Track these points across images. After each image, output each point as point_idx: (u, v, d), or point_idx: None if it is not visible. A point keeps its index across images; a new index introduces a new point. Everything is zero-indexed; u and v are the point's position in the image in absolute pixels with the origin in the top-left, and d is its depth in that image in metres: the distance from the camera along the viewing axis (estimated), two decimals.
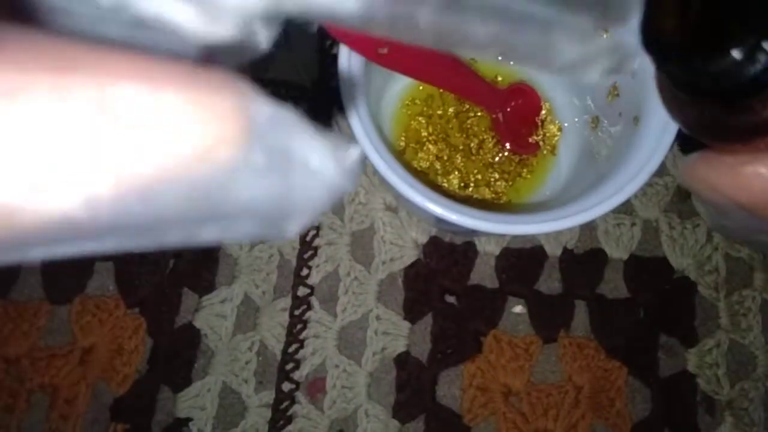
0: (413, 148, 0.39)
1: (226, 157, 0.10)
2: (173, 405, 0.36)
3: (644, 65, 0.31)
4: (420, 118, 0.39)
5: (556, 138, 0.39)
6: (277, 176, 0.11)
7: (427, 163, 0.38)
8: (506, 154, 0.39)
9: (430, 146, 0.38)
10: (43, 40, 0.09)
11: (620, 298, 0.39)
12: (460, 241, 0.39)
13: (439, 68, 0.32)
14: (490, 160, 0.39)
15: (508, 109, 0.38)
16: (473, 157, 0.39)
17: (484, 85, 0.37)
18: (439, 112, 0.39)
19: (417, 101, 0.39)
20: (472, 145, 0.39)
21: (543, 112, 0.39)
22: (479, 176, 0.38)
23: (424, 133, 0.39)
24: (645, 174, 0.28)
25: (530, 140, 0.39)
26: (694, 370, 0.38)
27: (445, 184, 0.38)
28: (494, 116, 0.38)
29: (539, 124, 0.39)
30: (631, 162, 0.29)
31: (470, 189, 0.38)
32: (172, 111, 0.09)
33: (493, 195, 0.38)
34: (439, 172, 0.38)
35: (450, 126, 0.39)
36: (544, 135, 0.39)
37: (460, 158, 0.38)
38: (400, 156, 0.38)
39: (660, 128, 0.29)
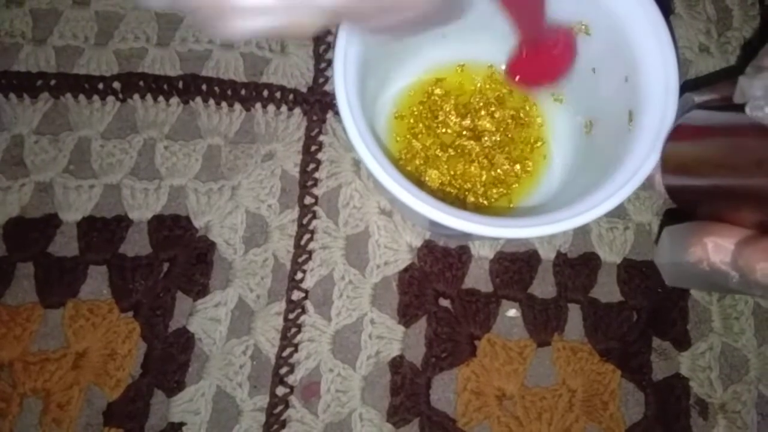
0: (408, 152, 0.39)
1: None
2: (167, 409, 0.36)
3: (637, 70, 0.31)
4: (414, 124, 0.39)
5: (542, 141, 0.39)
6: None
7: (421, 168, 0.38)
8: (502, 159, 0.39)
9: (425, 151, 0.39)
10: None
11: (613, 301, 0.39)
12: (455, 245, 0.39)
13: None
14: (486, 163, 0.39)
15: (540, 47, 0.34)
16: (467, 161, 0.39)
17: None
18: (434, 117, 0.39)
19: (412, 107, 0.40)
20: (466, 149, 0.39)
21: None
22: (473, 179, 0.38)
23: (419, 141, 0.39)
24: (638, 178, 0.29)
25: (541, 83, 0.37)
26: (687, 373, 0.38)
27: (439, 188, 0.38)
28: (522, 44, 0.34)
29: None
30: (624, 166, 0.29)
31: (464, 192, 0.38)
32: None
33: (487, 198, 0.38)
34: (433, 175, 0.38)
35: (444, 131, 0.39)
36: (534, 142, 0.39)
37: (453, 162, 0.39)
38: (395, 160, 0.38)
39: (653, 133, 0.29)
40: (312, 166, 0.40)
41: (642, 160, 0.29)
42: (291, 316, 0.38)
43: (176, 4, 0.19)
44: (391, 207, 0.40)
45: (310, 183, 0.40)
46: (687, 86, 0.31)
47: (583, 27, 0.34)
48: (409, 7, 0.20)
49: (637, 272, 0.39)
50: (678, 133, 0.29)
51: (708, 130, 0.27)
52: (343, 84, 0.29)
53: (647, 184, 0.29)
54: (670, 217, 0.40)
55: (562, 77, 0.35)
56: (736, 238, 0.24)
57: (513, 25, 0.32)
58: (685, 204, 0.29)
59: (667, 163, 0.29)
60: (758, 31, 0.45)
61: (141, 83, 0.41)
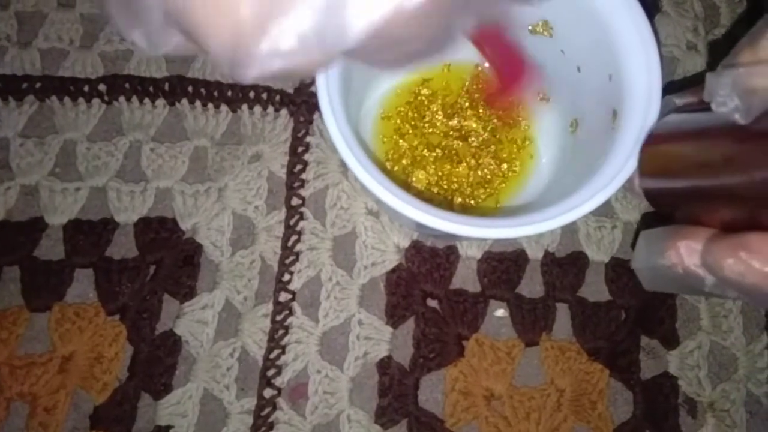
0: (395, 153, 0.39)
1: None
2: (154, 412, 0.36)
3: (620, 69, 0.31)
4: (401, 124, 0.39)
5: (528, 140, 0.39)
6: None
7: (408, 168, 0.38)
8: (489, 159, 0.39)
9: (412, 151, 0.39)
10: None
11: (601, 300, 0.39)
12: (442, 246, 0.39)
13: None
14: (473, 163, 0.39)
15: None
16: (454, 161, 0.39)
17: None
18: (421, 117, 0.39)
19: (399, 107, 0.39)
20: (453, 149, 0.39)
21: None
22: (460, 179, 0.38)
23: (405, 141, 0.39)
24: (622, 177, 0.29)
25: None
26: (676, 371, 0.38)
27: (426, 188, 0.38)
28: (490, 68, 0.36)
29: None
30: (608, 165, 0.29)
31: (451, 193, 0.38)
32: None
33: (474, 198, 0.38)
34: (420, 176, 0.38)
35: (431, 131, 0.39)
36: (523, 141, 0.39)
37: (440, 162, 0.38)
38: (381, 161, 0.38)
39: (636, 132, 0.29)
40: (299, 167, 0.40)
41: (626, 158, 0.29)
42: (278, 317, 0.37)
43: (187, 49, 0.19)
44: (378, 208, 0.39)
45: (297, 184, 0.40)
46: (673, 88, 0.31)
47: (546, 25, 0.34)
48: (413, 41, 0.20)
49: (625, 271, 0.39)
50: (653, 137, 0.29)
51: (681, 132, 0.27)
52: (325, 86, 0.29)
53: (627, 187, 0.29)
54: (647, 222, 0.40)
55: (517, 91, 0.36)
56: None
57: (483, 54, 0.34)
58: (663, 207, 0.29)
59: (643, 167, 0.29)
60: (745, 28, 0.45)
61: (126, 85, 0.41)
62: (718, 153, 0.24)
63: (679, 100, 0.29)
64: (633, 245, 0.39)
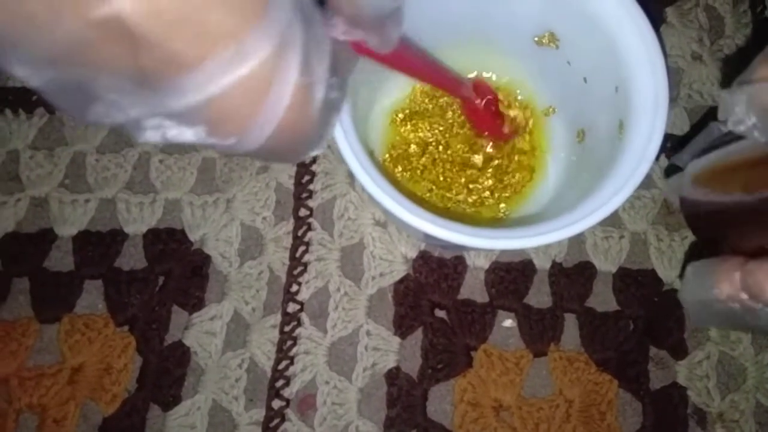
0: (401, 163, 0.39)
1: None
2: (163, 424, 0.36)
3: (627, 81, 0.31)
4: (408, 134, 0.39)
5: (535, 150, 0.39)
6: None
7: (416, 177, 0.38)
8: (496, 169, 0.39)
9: (418, 161, 0.39)
10: None
11: (609, 311, 0.39)
12: (450, 256, 0.39)
13: (420, 61, 0.32)
14: (480, 173, 0.39)
15: (481, 100, 0.37)
16: (460, 172, 0.39)
17: (456, 77, 0.37)
18: (428, 129, 0.39)
19: (405, 118, 0.40)
20: (458, 160, 0.39)
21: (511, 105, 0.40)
22: (468, 189, 0.38)
23: (413, 149, 0.39)
24: (631, 186, 0.29)
25: (504, 129, 0.39)
26: (685, 382, 0.38)
27: (433, 198, 0.38)
28: (471, 105, 0.37)
29: (503, 114, 0.39)
30: (617, 174, 0.29)
31: (458, 203, 0.38)
32: None
33: (481, 208, 0.38)
34: (427, 188, 0.38)
35: (437, 141, 0.39)
36: (533, 150, 0.39)
37: (446, 174, 0.39)
38: (387, 171, 0.38)
39: (644, 140, 0.29)
40: (307, 177, 0.40)
41: (632, 169, 0.29)
42: (287, 328, 0.38)
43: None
44: (386, 218, 0.40)
45: (304, 195, 0.40)
46: (713, 114, 0.31)
47: (553, 37, 0.35)
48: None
49: (632, 281, 0.39)
50: (698, 174, 0.29)
51: (722, 165, 0.28)
52: None
53: (671, 201, 0.29)
54: (694, 252, 0.40)
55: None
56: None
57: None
58: (704, 232, 0.29)
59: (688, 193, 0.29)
60: (750, 38, 0.45)
61: None
62: (735, 175, 0.24)
63: (724, 127, 0.29)
64: (680, 276, 0.39)
